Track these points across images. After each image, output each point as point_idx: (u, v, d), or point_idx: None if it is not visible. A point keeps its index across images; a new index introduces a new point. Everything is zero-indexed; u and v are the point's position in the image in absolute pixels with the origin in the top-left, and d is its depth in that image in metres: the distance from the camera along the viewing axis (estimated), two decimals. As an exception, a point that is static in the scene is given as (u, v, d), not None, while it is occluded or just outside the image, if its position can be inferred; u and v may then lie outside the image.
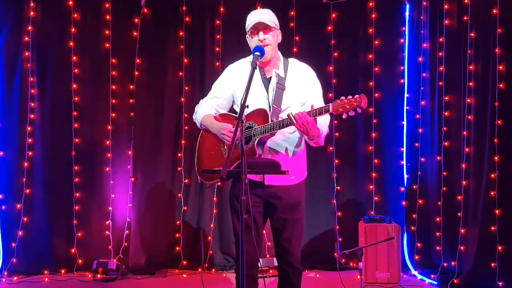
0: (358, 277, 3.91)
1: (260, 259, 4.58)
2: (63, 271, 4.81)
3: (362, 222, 4.80)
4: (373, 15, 5.10)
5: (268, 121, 2.87)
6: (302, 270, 3.13)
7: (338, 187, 5.16)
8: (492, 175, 4.08)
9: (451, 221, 4.52)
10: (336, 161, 5.16)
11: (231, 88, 3.12)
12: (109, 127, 4.99)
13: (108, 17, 4.95)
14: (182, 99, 5.09)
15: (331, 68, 5.15)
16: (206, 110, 3.15)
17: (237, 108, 3.12)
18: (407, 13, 5.12)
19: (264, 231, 4.74)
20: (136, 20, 4.99)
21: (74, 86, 4.88)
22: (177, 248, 5.06)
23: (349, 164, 5.20)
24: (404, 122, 5.12)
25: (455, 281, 4.28)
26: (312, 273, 4.93)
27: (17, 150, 4.76)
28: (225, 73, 3.18)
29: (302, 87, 3.03)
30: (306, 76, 3.07)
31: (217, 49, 5.10)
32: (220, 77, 3.21)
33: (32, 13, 4.77)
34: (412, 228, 4.92)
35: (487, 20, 4.15)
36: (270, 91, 3.00)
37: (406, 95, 5.12)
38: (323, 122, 2.96)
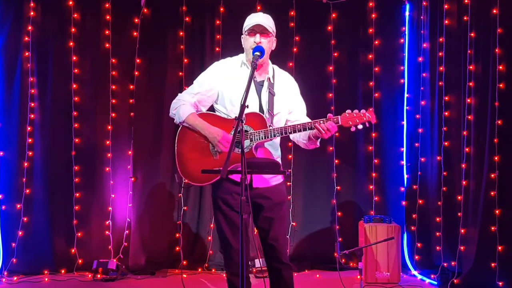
0: (358, 277, 3.91)
1: (260, 259, 4.61)
2: (63, 271, 4.81)
3: (362, 222, 4.80)
4: (373, 15, 5.10)
5: (266, 125, 2.89)
6: (292, 267, 3.16)
7: (338, 187, 5.16)
8: (492, 175, 4.09)
9: (451, 221, 4.53)
10: (336, 161, 5.16)
11: (217, 86, 3.07)
12: (109, 127, 4.99)
13: (108, 17, 4.95)
14: (182, 99, 5.09)
15: (331, 68, 5.14)
16: (189, 107, 3.06)
17: (219, 107, 3.09)
18: (407, 13, 5.12)
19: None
20: (136, 20, 4.99)
21: (74, 86, 4.88)
22: (177, 248, 5.06)
23: (349, 164, 5.20)
24: (404, 122, 5.12)
25: (455, 281, 4.28)
26: (312, 273, 4.93)
27: (17, 150, 4.76)
28: (210, 70, 3.14)
29: (288, 95, 3.11)
30: (291, 85, 3.18)
31: (217, 49, 5.10)
32: (204, 73, 3.15)
33: (32, 13, 4.77)
34: (412, 228, 4.92)
35: (487, 20, 4.16)
36: (263, 95, 3.02)
37: (406, 95, 5.12)
38: None
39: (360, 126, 2.83)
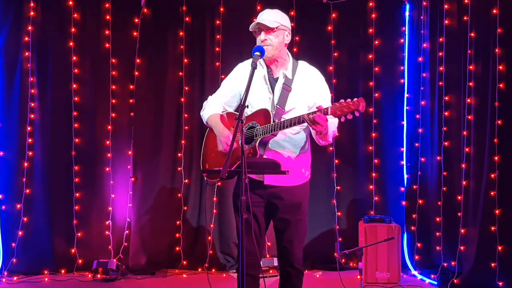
0: (358, 277, 3.91)
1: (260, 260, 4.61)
2: (63, 271, 4.81)
3: (362, 222, 4.80)
4: (373, 15, 5.10)
5: (270, 121, 2.86)
6: (303, 272, 3.13)
7: (338, 187, 5.16)
8: (492, 175, 4.08)
9: (451, 221, 4.52)
10: (336, 161, 5.16)
11: (238, 86, 3.12)
12: (109, 127, 4.99)
13: (108, 17, 4.95)
14: (182, 99, 5.09)
15: (331, 68, 5.14)
16: (214, 108, 3.16)
17: None
18: (407, 13, 5.12)
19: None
20: (136, 20, 4.99)
21: (74, 86, 4.88)
22: (177, 248, 5.06)
23: (349, 164, 5.20)
24: (404, 122, 5.12)
25: (455, 281, 4.28)
26: (312, 273, 4.93)
27: (17, 150, 4.76)
28: (234, 72, 3.19)
29: (309, 91, 3.02)
30: (315, 80, 3.07)
31: (217, 49, 5.09)
32: (229, 75, 3.22)
33: (32, 13, 4.76)
34: (412, 228, 4.92)
35: (487, 20, 4.15)
36: (276, 91, 2.99)
37: (406, 95, 5.12)
38: (331, 123, 2.89)
39: (349, 116, 2.63)
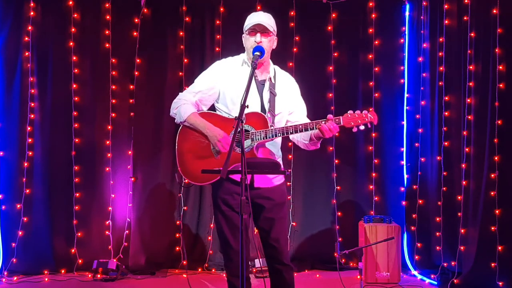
0: (358, 277, 3.92)
1: (260, 259, 4.61)
2: (63, 271, 4.81)
3: (362, 222, 4.81)
4: (373, 15, 5.10)
5: (267, 125, 2.89)
6: (293, 268, 3.16)
7: (338, 187, 5.16)
8: (492, 175, 4.09)
9: (451, 221, 4.53)
10: (336, 161, 5.16)
11: (218, 85, 3.06)
12: (109, 127, 4.99)
13: (108, 17, 4.95)
14: (182, 99, 5.09)
15: (331, 68, 5.14)
16: (190, 107, 3.05)
17: (221, 106, 3.09)
18: (407, 13, 5.12)
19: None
20: (136, 20, 4.99)
21: (74, 86, 4.88)
22: (177, 248, 5.06)
23: (349, 164, 5.20)
24: (404, 122, 5.13)
25: (455, 281, 4.28)
26: (312, 273, 4.93)
27: (17, 150, 4.76)
28: (212, 69, 3.14)
29: (289, 96, 3.11)
30: (292, 86, 3.18)
31: (217, 49, 5.10)
32: (205, 72, 3.15)
33: (32, 13, 4.77)
34: (412, 228, 4.92)
35: (487, 20, 4.16)
36: (264, 95, 3.02)
37: (406, 95, 5.13)
38: None
39: (362, 127, 2.82)
